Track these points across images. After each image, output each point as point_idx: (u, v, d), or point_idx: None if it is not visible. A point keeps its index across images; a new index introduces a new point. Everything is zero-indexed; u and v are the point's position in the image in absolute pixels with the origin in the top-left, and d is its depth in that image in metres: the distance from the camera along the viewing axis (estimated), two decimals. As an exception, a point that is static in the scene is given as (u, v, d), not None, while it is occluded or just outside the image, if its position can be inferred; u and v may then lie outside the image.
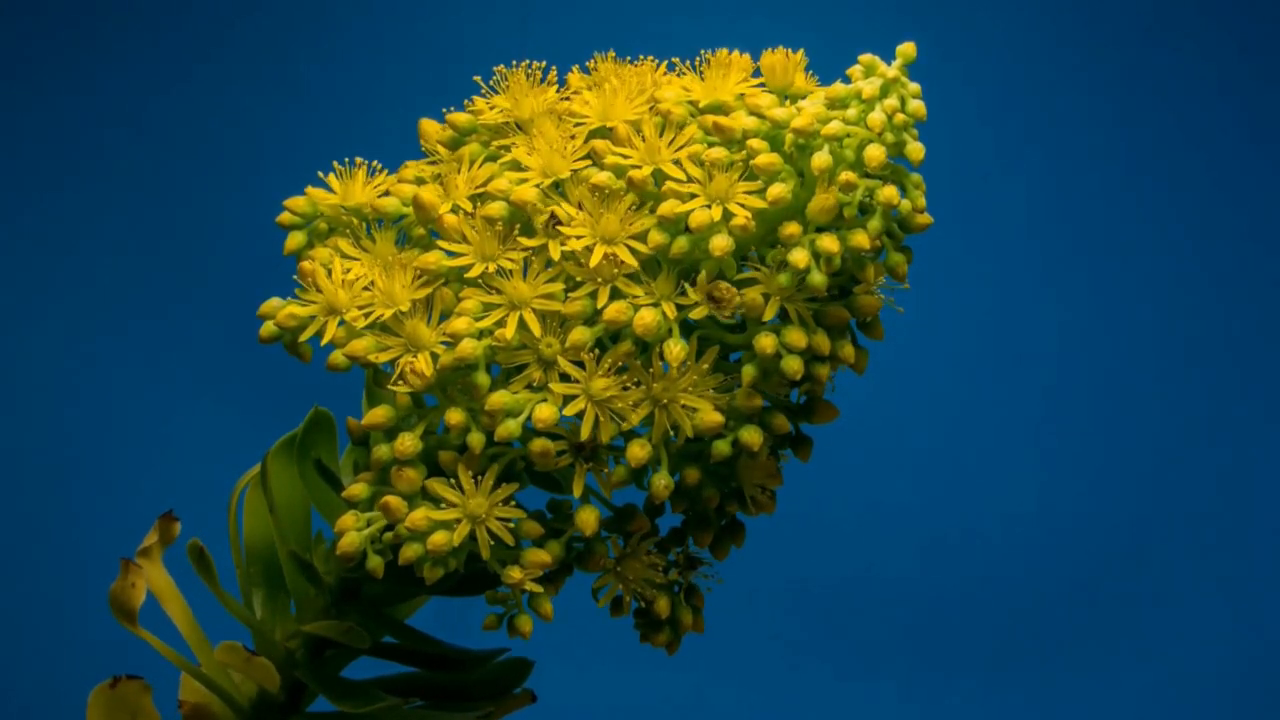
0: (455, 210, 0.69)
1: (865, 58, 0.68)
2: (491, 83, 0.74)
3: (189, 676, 0.77)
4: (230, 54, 1.51)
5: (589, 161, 0.69)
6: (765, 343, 0.66)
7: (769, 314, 0.67)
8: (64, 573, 1.43)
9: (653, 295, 0.67)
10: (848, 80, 0.68)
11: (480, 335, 0.67)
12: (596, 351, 0.67)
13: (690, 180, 0.67)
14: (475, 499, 0.67)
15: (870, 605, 1.50)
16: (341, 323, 0.69)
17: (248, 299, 0.73)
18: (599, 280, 0.67)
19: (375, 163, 0.75)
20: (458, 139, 0.74)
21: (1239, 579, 1.50)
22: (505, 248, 0.68)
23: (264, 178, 1.40)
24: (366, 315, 0.69)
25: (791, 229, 0.66)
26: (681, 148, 0.68)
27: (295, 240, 0.74)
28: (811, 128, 0.66)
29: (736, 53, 0.71)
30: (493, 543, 0.67)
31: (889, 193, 0.66)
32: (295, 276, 0.71)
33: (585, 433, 0.66)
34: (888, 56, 0.68)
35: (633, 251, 0.67)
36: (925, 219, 0.68)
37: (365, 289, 0.69)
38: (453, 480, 0.67)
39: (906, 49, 0.68)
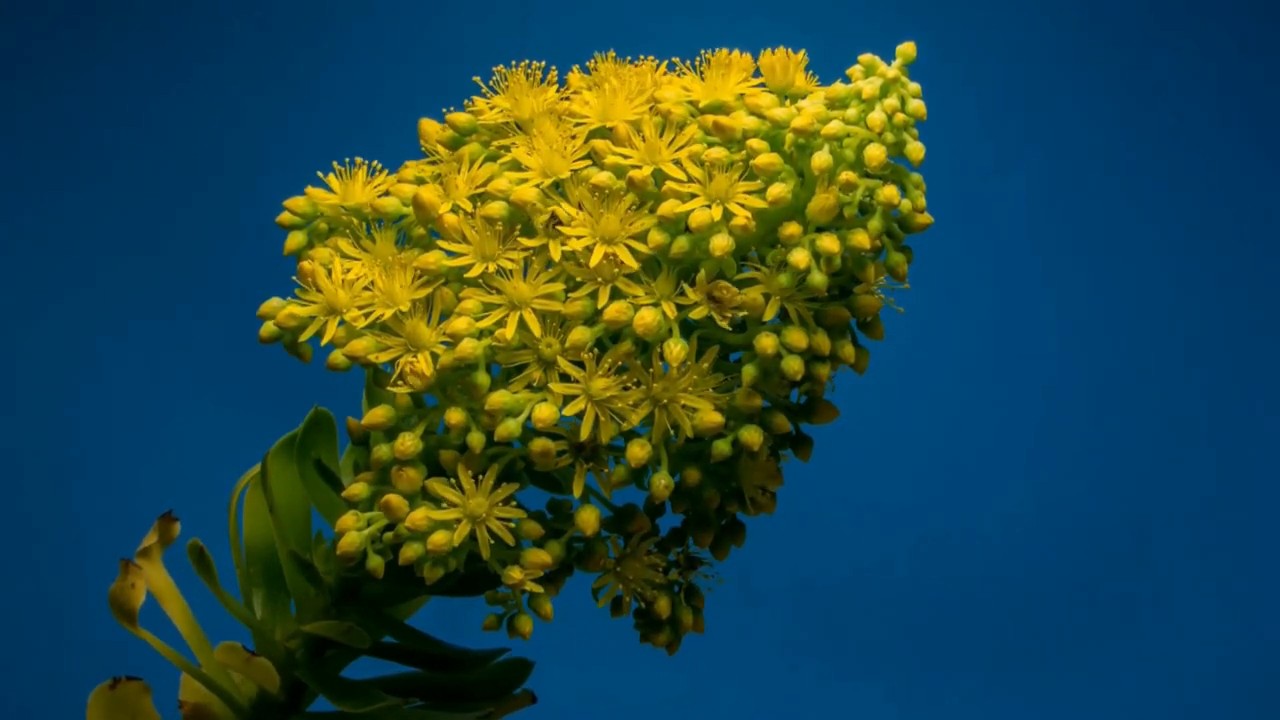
0: (455, 210, 0.69)
1: (865, 58, 0.68)
2: (491, 83, 0.74)
3: (189, 677, 0.77)
4: (230, 54, 1.51)
5: (589, 161, 0.69)
6: (766, 343, 0.66)
7: (769, 314, 0.66)
8: (64, 573, 1.43)
9: (653, 295, 0.67)
10: (848, 80, 0.68)
11: (480, 335, 0.67)
12: (596, 351, 0.67)
13: (690, 180, 0.67)
14: (475, 499, 0.67)
15: (870, 605, 1.50)
16: (341, 323, 0.69)
17: (248, 299, 0.73)
18: (599, 280, 0.67)
19: (375, 163, 0.75)
20: (458, 139, 0.74)
21: (1239, 579, 1.50)
22: (505, 248, 0.68)
23: (264, 178, 1.40)
24: (366, 315, 0.68)
25: (792, 229, 0.66)
26: (681, 148, 0.68)
27: (295, 240, 0.74)
28: (812, 127, 0.66)
29: (736, 53, 0.71)
30: (493, 543, 0.67)
31: (889, 192, 0.66)
32: (295, 276, 0.71)
33: (585, 433, 0.66)
34: (888, 56, 0.68)
35: (633, 252, 0.67)
36: (925, 219, 0.68)
37: (365, 289, 0.69)
38: (453, 480, 0.67)
39: (906, 49, 0.68)
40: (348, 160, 0.75)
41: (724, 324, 0.67)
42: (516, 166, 0.70)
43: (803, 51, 0.71)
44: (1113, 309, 1.53)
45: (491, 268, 0.67)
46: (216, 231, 1.49)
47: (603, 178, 0.68)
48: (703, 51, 0.71)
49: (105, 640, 0.98)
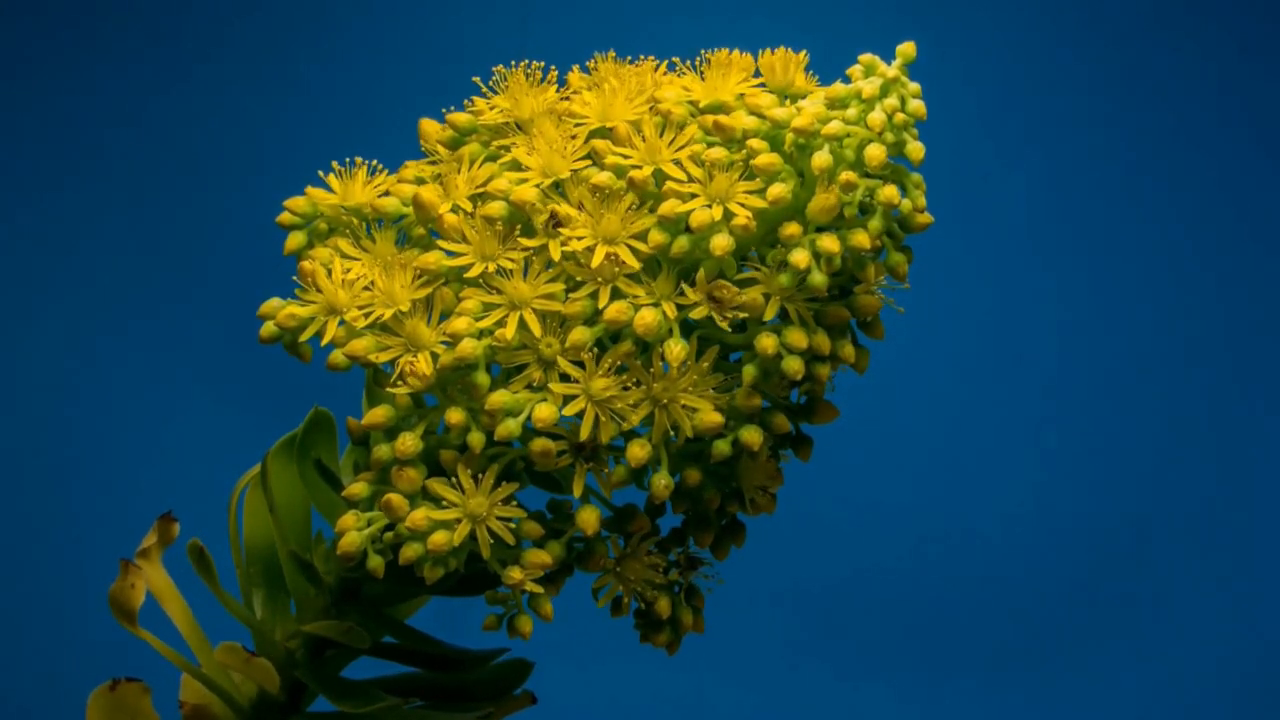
0: (455, 210, 0.69)
1: (865, 58, 0.68)
2: (491, 83, 0.74)
3: (189, 677, 0.77)
4: (230, 54, 1.51)
5: (589, 161, 0.69)
6: (766, 343, 0.66)
7: (769, 314, 0.66)
8: (64, 573, 1.43)
9: (653, 295, 0.67)
10: (848, 80, 0.68)
11: (480, 335, 0.67)
12: (596, 351, 0.67)
13: (690, 180, 0.67)
14: (475, 499, 0.67)
15: (870, 605, 1.50)
16: (341, 323, 0.69)
17: (248, 299, 0.73)
18: (600, 280, 0.67)
19: (375, 163, 0.75)
20: (458, 139, 0.74)
21: (1239, 579, 1.50)
22: (505, 248, 0.68)
23: (264, 178, 1.40)
24: (366, 315, 0.68)
25: (792, 229, 0.66)
26: (682, 148, 0.68)
27: (295, 240, 0.74)
28: (812, 127, 0.66)
29: (736, 53, 0.71)
30: (493, 542, 0.67)
31: (889, 192, 0.66)
32: (295, 276, 0.71)
33: (585, 433, 0.66)
34: (888, 56, 0.68)
35: (633, 251, 0.67)
36: (925, 219, 0.68)
37: (365, 289, 0.69)
38: (453, 480, 0.67)
39: (906, 49, 0.68)
40: (348, 160, 0.75)
41: (724, 324, 0.67)
42: (516, 166, 0.70)
43: (803, 51, 0.71)
44: (1113, 309, 1.53)
45: (491, 268, 0.67)
46: (216, 231, 1.49)
47: (603, 178, 0.68)
48: (703, 51, 0.71)
49: (105, 640, 0.98)
